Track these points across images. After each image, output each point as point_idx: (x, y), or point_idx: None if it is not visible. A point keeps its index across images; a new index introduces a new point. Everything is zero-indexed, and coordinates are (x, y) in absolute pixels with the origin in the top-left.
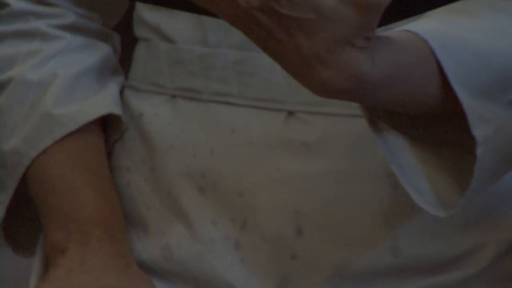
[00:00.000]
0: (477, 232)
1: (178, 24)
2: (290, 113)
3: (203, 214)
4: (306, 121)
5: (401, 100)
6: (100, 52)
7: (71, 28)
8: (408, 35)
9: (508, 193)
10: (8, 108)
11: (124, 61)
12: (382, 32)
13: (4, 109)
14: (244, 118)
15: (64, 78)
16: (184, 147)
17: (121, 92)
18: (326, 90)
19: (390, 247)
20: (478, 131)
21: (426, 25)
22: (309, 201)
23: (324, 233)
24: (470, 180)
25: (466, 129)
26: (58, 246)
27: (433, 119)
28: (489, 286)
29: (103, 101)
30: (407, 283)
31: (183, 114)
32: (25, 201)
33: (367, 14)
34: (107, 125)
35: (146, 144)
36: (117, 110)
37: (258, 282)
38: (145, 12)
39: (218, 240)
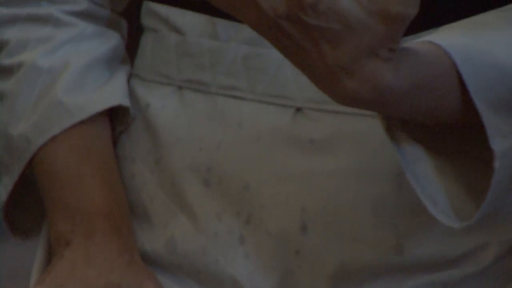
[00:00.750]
0: (480, 232)
1: (188, 16)
2: (298, 110)
3: (208, 207)
4: (314, 118)
5: (421, 111)
6: (111, 41)
7: (83, 15)
8: (430, 46)
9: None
10: (17, 93)
11: (129, 49)
12: (405, 42)
13: (13, 94)
14: (252, 113)
15: (75, 67)
16: (191, 140)
17: (128, 81)
18: (350, 99)
19: (393, 246)
20: (497, 144)
21: (448, 37)
22: (315, 198)
23: (329, 230)
24: (486, 193)
25: (484, 142)
26: (62, 238)
27: (450, 130)
28: (490, 284)
29: (112, 91)
30: (409, 280)
31: (190, 106)
32: (28, 185)
33: (393, 26)
34: (114, 116)
35: (152, 135)
36: (126, 102)
37: (262, 277)
38: (154, 3)
39: (222, 234)
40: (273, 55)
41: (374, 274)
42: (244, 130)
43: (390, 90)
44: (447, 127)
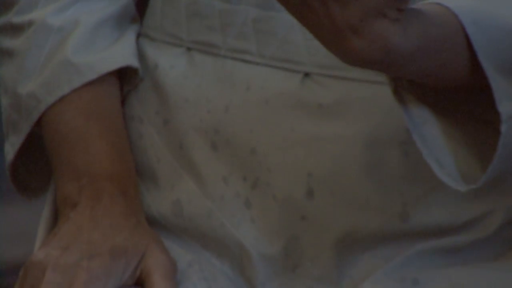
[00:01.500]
0: (486, 200)
1: None
2: (307, 75)
3: (215, 170)
4: (322, 83)
5: (429, 72)
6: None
7: None
8: (439, 8)
9: None
10: (26, 51)
11: (138, 7)
12: (414, 4)
13: (22, 52)
14: (260, 76)
15: (85, 26)
16: (199, 101)
17: (137, 40)
18: (357, 59)
19: (399, 213)
20: (504, 107)
21: (457, 0)
22: (321, 164)
23: (335, 196)
24: (492, 156)
25: (490, 105)
26: (69, 199)
27: (458, 93)
28: (495, 249)
29: (122, 52)
30: (414, 246)
31: (199, 68)
32: (35, 145)
33: None
34: (122, 75)
35: (160, 96)
36: (135, 63)
37: (267, 241)
38: None
39: (229, 198)
40: (283, 19)
41: (380, 240)
42: (252, 94)
43: (397, 50)
44: (455, 90)
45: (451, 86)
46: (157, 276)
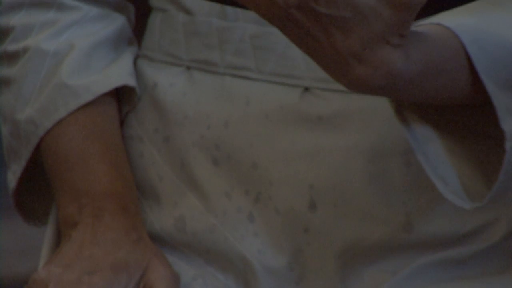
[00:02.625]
0: (489, 209)
1: None
2: (306, 89)
3: (217, 186)
4: (322, 96)
5: (432, 94)
6: (116, 22)
7: None
8: (439, 29)
9: None
10: (23, 78)
11: (136, 30)
12: (414, 25)
13: (19, 79)
14: (259, 92)
15: (80, 49)
16: (199, 118)
17: (135, 62)
18: (361, 86)
19: (402, 223)
20: (508, 125)
21: (456, 19)
22: (323, 176)
23: (337, 208)
24: (497, 173)
25: (494, 123)
26: (70, 220)
27: (461, 111)
28: (500, 260)
29: (118, 72)
30: (418, 258)
31: (198, 85)
32: (37, 170)
33: (404, 13)
34: (120, 96)
35: (160, 114)
36: (132, 82)
37: (271, 255)
38: None
39: (232, 212)
40: (281, 35)
41: (384, 252)
42: (252, 108)
43: (401, 76)
44: (458, 108)
45: (454, 105)
46: None
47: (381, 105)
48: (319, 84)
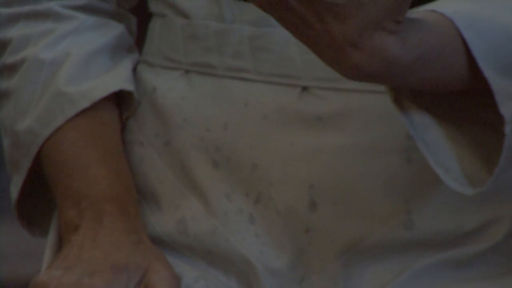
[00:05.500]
0: (492, 207)
1: (193, 0)
2: (305, 89)
3: (218, 188)
4: (321, 96)
5: (429, 80)
6: (113, 31)
7: (84, 9)
8: (434, 15)
9: None
10: (21, 88)
11: (140, 40)
12: (409, 13)
13: (17, 90)
14: (258, 93)
15: (76, 57)
16: (198, 121)
17: (135, 68)
18: (357, 73)
19: (403, 221)
20: (506, 109)
21: (451, 5)
22: (323, 175)
23: (338, 207)
24: (497, 158)
25: (491, 108)
26: (71, 224)
27: (458, 98)
28: (503, 260)
29: (115, 78)
30: (421, 257)
31: (197, 88)
32: (39, 180)
33: None
34: (120, 101)
35: (160, 118)
36: (129, 86)
37: (273, 256)
38: None
39: (233, 214)
40: (278, 35)
41: (385, 250)
42: (251, 110)
43: (397, 62)
44: (454, 94)
45: (451, 91)
46: None
47: (380, 104)
48: (317, 83)
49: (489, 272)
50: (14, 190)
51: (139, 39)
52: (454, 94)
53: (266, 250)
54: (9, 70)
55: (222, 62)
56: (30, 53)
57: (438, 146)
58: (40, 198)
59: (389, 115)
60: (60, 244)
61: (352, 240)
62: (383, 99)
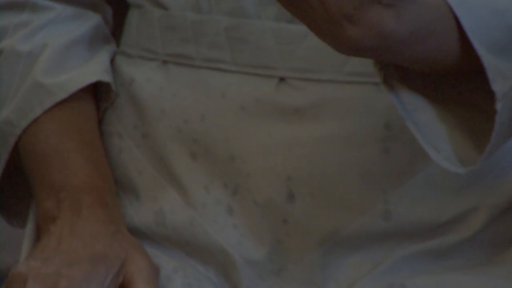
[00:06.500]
0: (470, 196)
1: None
2: (282, 79)
3: (196, 179)
4: (298, 87)
5: (422, 57)
6: (90, 21)
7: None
8: None
9: (500, 157)
10: None
11: (116, 31)
12: None
13: None
14: (235, 84)
15: (54, 48)
16: (175, 112)
17: (112, 60)
18: (351, 47)
19: (381, 212)
20: (498, 86)
21: None
22: (301, 167)
23: (315, 198)
24: (487, 136)
25: (481, 88)
26: (49, 215)
27: (449, 79)
28: (482, 250)
29: (92, 69)
30: (399, 248)
31: (174, 79)
32: (17, 171)
33: None
34: (98, 93)
35: (137, 109)
36: (106, 78)
37: (251, 246)
38: None
39: (211, 205)
40: (255, 25)
41: (363, 241)
42: (227, 101)
43: (392, 36)
44: (446, 75)
45: (444, 70)
46: (140, 281)
47: (357, 95)
48: (294, 74)
49: (468, 262)
50: None
51: (116, 30)
52: (443, 75)
53: (244, 241)
54: None
55: (199, 53)
56: (7, 44)
57: (429, 126)
58: (18, 189)
59: (367, 105)
60: (38, 234)
61: (330, 230)
62: (361, 90)
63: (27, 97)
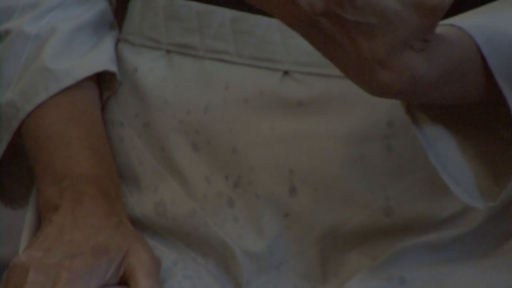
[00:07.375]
0: None
1: None
2: (286, 73)
3: (197, 170)
4: (302, 81)
5: (450, 96)
6: (97, 6)
7: None
8: (454, 31)
9: None
10: (4, 60)
11: (117, 14)
12: None
13: (0, 62)
14: (239, 76)
15: (62, 33)
16: (178, 102)
17: (116, 46)
18: (383, 91)
19: (383, 207)
20: None
21: (468, 20)
22: (303, 161)
23: (317, 193)
24: (508, 171)
25: (503, 122)
26: (51, 203)
27: (472, 111)
28: (482, 243)
29: (99, 57)
30: (400, 241)
31: (178, 69)
32: (17, 154)
33: (429, 18)
34: (101, 81)
35: (140, 99)
36: (112, 67)
37: (251, 239)
38: None
39: (212, 197)
40: (261, 19)
41: (364, 236)
42: (231, 93)
43: (423, 80)
44: (470, 107)
45: (464, 104)
46: (141, 274)
47: (361, 91)
48: (298, 68)
49: (467, 255)
50: None
51: (117, 17)
52: (468, 108)
53: (244, 234)
54: None
55: (203, 44)
56: (14, 25)
57: (450, 157)
58: (18, 171)
59: (370, 102)
60: (38, 223)
61: (331, 225)
62: None
63: (33, 81)
